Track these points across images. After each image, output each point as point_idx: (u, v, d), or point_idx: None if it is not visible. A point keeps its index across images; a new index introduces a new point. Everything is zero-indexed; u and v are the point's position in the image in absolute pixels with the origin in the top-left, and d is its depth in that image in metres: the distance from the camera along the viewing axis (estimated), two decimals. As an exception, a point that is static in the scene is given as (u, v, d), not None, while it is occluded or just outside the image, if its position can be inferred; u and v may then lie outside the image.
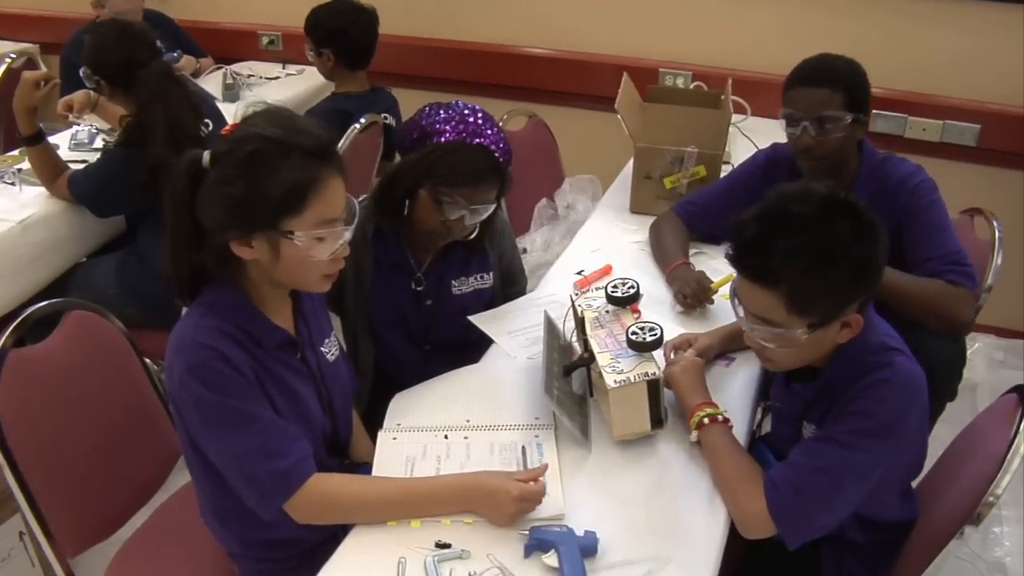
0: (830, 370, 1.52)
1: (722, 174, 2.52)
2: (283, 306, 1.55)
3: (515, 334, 1.96)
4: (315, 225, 1.38)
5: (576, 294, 1.79)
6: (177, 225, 1.42)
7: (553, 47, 3.80)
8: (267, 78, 3.76)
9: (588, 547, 1.36)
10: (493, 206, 1.86)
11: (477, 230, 1.94)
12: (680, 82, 3.59)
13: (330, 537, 1.59)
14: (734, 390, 1.79)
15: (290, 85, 3.73)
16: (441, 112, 1.83)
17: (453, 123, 1.79)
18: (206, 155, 1.38)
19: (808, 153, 2.08)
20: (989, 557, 2.41)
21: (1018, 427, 1.56)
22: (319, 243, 1.40)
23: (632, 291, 1.71)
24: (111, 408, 1.85)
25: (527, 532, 1.38)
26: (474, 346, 2.10)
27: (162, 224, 2.53)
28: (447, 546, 1.37)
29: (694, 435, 1.60)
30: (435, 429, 1.64)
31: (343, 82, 3.19)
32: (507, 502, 1.38)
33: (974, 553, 2.39)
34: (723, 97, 2.75)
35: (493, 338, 1.95)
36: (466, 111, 1.82)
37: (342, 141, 2.94)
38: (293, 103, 3.58)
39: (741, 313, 1.50)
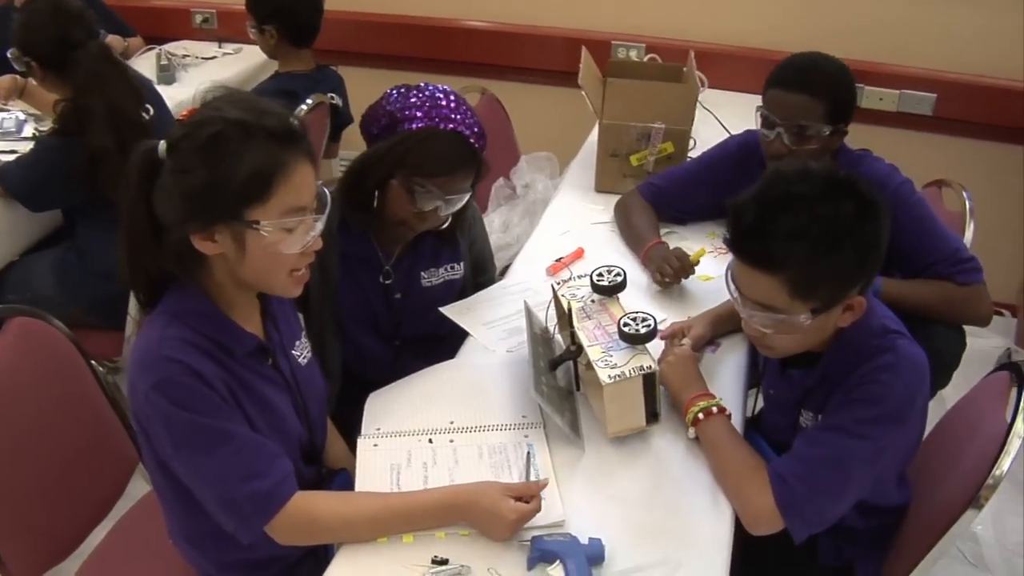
0: (831, 355, 1.47)
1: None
2: (251, 309, 1.44)
3: (491, 325, 1.88)
4: (282, 214, 1.27)
5: (558, 283, 1.71)
6: (133, 224, 1.29)
7: (502, 20, 3.68)
8: (203, 58, 3.57)
9: (595, 556, 1.29)
10: (468, 195, 1.76)
11: (450, 219, 1.84)
12: (633, 54, 3.51)
13: (310, 551, 1.51)
14: (724, 377, 1.73)
15: (228, 65, 3.55)
16: (410, 96, 1.71)
17: (425, 108, 1.68)
18: (162, 145, 1.25)
19: (780, 160, 1.99)
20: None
21: (1017, 407, 1.53)
22: (288, 235, 1.29)
23: (619, 279, 1.64)
24: (61, 421, 1.72)
25: (528, 542, 1.31)
26: (445, 339, 2.02)
27: (103, 217, 2.42)
28: (444, 562, 1.28)
29: (691, 432, 1.54)
30: (418, 433, 1.54)
31: (287, 61, 3.03)
32: (503, 526, 1.31)
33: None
34: (685, 70, 2.68)
35: (468, 330, 1.86)
36: (438, 94, 1.71)
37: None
38: (233, 83, 3.41)
39: (738, 299, 1.43)
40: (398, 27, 3.76)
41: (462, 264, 1.98)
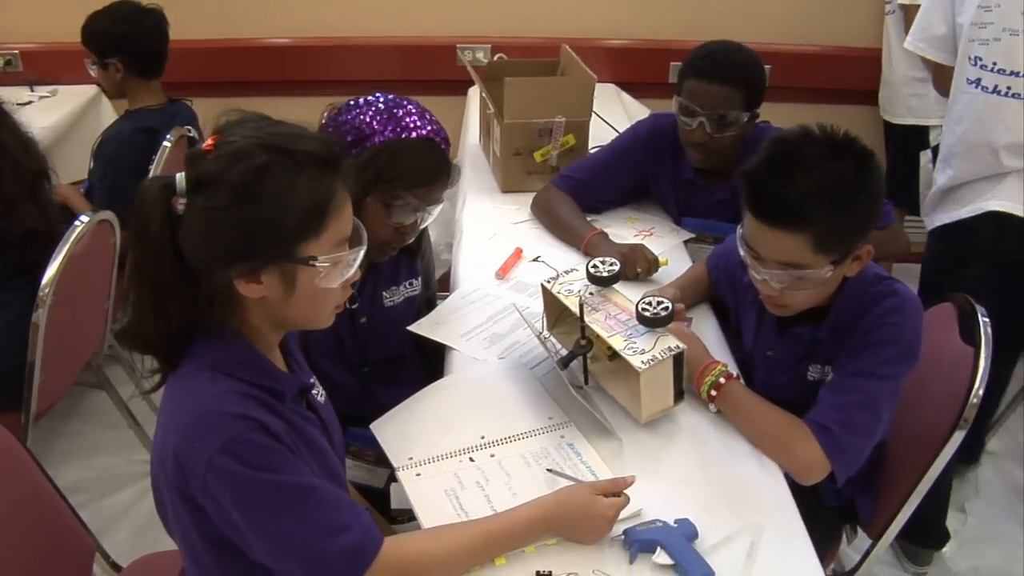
0: (839, 306, 1.56)
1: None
2: (277, 351, 1.33)
3: (469, 336, 1.84)
4: (333, 247, 1.19)
5: (548, 281, 1.69)
6: (159, 272, 1.15)
7: (341, 34, 3.59)
8: (18, 104, 3.20)
9: (690, 535, 1.31)
10: (443, 203, 1.71)
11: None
12: (480, 55, 3.53)
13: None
14: (711, 347, 1.77)
15: (48, 109, 3.22)
16: (367, 109, 1.65)
17: (392, 121, 1.63)
18: (180, 179, 1.12)
19: (701, 148, 2.10)
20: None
21: (979, 332, 1.67)
22: (334, 268, 1.20)
23: (615, 268, 1.65)
24: (14, 522, 1.51)
25: (621, 537, 1.30)
26: (407, 360, 1.96)
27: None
28: (548, 575, 1.25)
29: (712, 407, 1.59)
30: (455, 454, 1.49)
31: (138, 95, 2.80)
32: (602, 524, 1.30)
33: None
34: (561, 64, 2.73)
35: (450, 345, 1.81)
36: (397, 102, 1.67)
37: (155, 163, 2.61)
38: (60, 129, 3.13)
39: (755, 262, 1.49)
40: (235, 52, 3.57)
41: (419, 279, 1.93)
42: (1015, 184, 2.12)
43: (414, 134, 1.62)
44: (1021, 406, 2.93)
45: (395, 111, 1.64)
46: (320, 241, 1.17)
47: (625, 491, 1.36)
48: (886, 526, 1.72)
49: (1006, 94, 2.08)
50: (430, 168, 1.65)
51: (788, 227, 1.41)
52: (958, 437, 1.63)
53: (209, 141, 1.15)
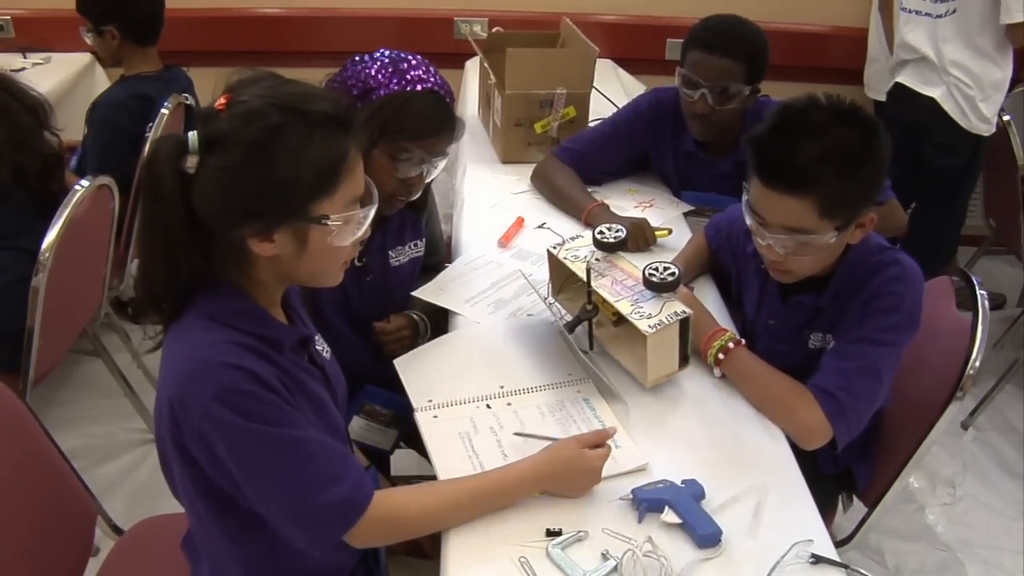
0: (841, 274, 1.58)
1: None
2: (279, 306, 1.33)
3: (473, 301, 1.85)
4: (345, 206, 1.19)
5: (554, 247, 1.70)
6: (170, 229, 1.15)
7: (333, 6, 3.58)
8: (12, 70, 3.17)
9: (697, 495, 1.33)
10: (448, 156, 1.72)
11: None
12: (478, 29, 3.53)
13: (363, 560, 1.44)
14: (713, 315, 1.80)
15: (43, 76, 3.17)
16: (373, 63, 1.66)
17: (397, 76, 1.64)
18: (193, 138, 1.12)
19: (703, 119, 2.11)
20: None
21: (976, 304, 1.69)
22: (346, 227, 1.21)
23: (621, 234, 1.67)
24: (18, 480, 1.51)
25: (630, 497, 1.32)
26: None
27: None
28: (558, 533, 1.26)
29: (717, 372, 1.61)
30: (473, 400, 1.53)
31: (134, 62, 2.77)
32: (592, 476, 1.33)
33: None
34: (561, 37, 2.73)
35: (455, 310, 1.82)
36: (401, 56, 1.68)
37: (152, 131, 2.60)
38: (53, 97, 3.03)
39: (760, 228, 1.51)
40: (229, 21, 3.55)
41: (423, 241, 1.94)
42: (912, 69, 3.02)
43: (419, 86, 1.64)
44: (1009, 384, 2.98)
45: (400, 64, 1.66)
46: (333, 200, 1.17)
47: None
48: (882, 494, 1.74)
49: (911, 12, 2.99)
50: (435, 120, 1.66)
51: (794, 191, 1.43)
52: (954, 407, 1.66)
53: (221, 99, 1.14)
